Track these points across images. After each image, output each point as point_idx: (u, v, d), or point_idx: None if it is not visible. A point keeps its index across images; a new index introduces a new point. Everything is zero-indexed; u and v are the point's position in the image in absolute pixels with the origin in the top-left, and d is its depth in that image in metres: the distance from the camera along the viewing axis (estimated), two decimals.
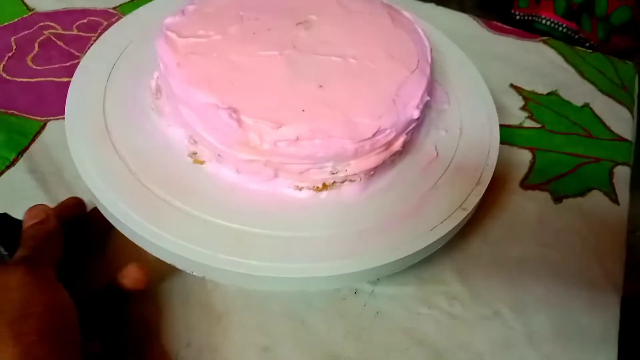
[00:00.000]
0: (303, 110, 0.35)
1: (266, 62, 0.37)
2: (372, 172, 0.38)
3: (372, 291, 0.41)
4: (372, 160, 0.37)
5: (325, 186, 0.38)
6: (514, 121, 0.53)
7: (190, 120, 0.36)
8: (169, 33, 0.38)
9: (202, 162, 0.38)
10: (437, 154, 0.42)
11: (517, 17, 1.32)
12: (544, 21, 1.24)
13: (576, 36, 1.23)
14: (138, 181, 0.36)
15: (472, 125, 0.44)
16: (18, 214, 0.35)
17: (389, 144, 0.38)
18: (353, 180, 0.38)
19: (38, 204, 0.35)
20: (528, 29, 0.71)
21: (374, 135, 0.36)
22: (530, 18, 1.28)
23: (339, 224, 0.37)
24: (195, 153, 0.38)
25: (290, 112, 0.35)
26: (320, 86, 0.36)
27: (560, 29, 1.21)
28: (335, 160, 0.36)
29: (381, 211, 0.38)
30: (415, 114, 0.38)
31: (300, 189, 0.38)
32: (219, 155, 0.37)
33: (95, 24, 0.55)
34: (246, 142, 0.35)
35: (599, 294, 0.43)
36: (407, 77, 0.39)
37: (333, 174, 0.37)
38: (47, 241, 0.33)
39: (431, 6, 0.63)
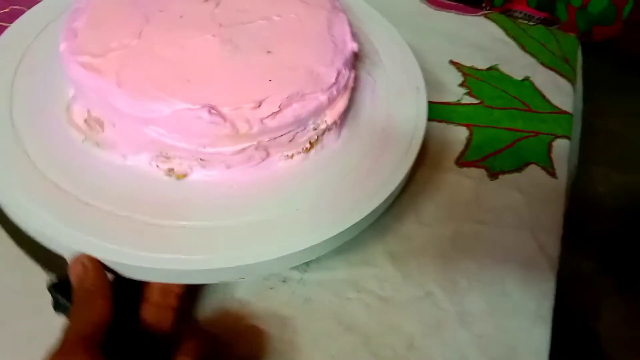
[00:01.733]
0: (270, 80, 0.34)
1: (204, 48, 0.35)
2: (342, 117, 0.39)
3: (301, 278, 0.40)
4: (342, 104, 0.38)
5: (312, 144, 0.38)
6: (452, 98, 0.52)
7: (159, 136, 0.33)
8: (80, 58, 0.34)
9: (184, 176, 0.36)
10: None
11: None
12: (516, 14, 1.23)
13: (553, 27, 1.22)
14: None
15: (400, 103, 0.43)
16: None
17: (347, 84, 0.38)
18: (331, 129, 0.38)
19: (79, 255, 0.31)
20: None
21: (336, 79, 0.36)
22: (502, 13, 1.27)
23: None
24: (171, 169, 0.35)
25: (259, 87, 0.34)
26: (268, 52, 0.36)
27: (535, 20, 1.20)
28: (314, 116, 0.36)
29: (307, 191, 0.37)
30: (354, 46, 0.39)
31: (292, 156, 0.37)
32: (201, 160, 0.35)
33: (18, 13, 0.53)
34: (235, 133, 0.33)
35: (533, 271, 0.42)
36: (329, 17, 0.39)
37: (315, 129, 0.37)
38: (90, 303, 0.30)
39: None
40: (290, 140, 0.36)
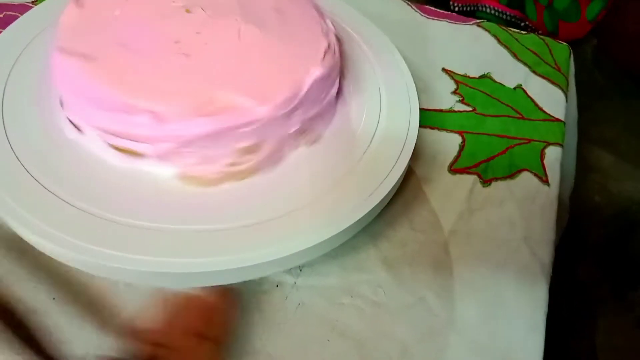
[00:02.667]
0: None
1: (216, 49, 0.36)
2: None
3: (295, 283, 0.40)
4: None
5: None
6: (445, 105, 0.52)
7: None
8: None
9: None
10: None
11: (456, 9, 1.30)
12: (487, 9, 1.23)
13: (522, 24, 1.22)
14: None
15: (392, 109, 0.43)
16: None
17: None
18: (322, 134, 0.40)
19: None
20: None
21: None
22: (471, 9, 1.26)
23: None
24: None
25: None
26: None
27: (505, 17, 1.21)
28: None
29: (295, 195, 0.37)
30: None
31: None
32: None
33: (11, 19, 0.53)
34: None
35: (527, 277, 0.42)
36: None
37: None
38: None
39: None
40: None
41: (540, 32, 1.22)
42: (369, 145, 0.40)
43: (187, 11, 0.38)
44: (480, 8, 1.26)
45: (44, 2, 0.47)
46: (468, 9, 1.28)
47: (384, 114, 0.42)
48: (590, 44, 1.61)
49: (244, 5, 0.40)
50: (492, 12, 1.25)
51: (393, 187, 0.38)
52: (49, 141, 0.36)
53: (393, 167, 0.39)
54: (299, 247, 0.33)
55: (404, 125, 0.42)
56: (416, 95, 0.44)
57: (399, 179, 0.39)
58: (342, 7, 0.51)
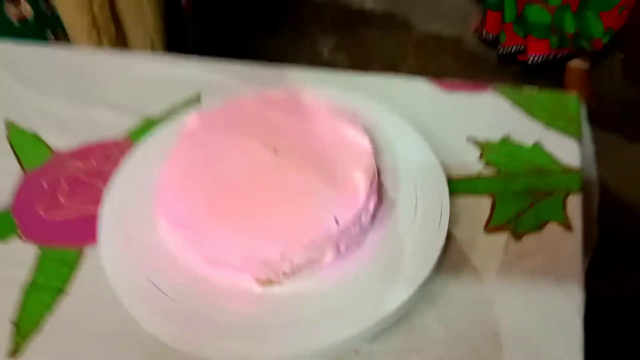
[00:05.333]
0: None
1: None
2: None
3: (369, 349, 0.49)
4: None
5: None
6: (473, 171, 0.61)
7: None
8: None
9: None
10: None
11: (502, 52, 1.65)
12: (535, 59, 1.55)
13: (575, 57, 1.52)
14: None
15: (424, 187, 0.53)
16: None
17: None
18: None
19: None
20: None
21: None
22: (516, 49, 1.64)
23: None
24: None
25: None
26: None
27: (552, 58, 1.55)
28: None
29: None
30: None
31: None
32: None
33: (111, 155, 0.65)
34: None
35: (563, 319, 0.50)
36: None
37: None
38: None
39: (386, 77, 0.72)
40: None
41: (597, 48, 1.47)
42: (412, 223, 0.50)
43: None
44: (526, 54, 1.47)
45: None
46: (513, 49, 1.51)
47: (419, 194, 0.52)
48: (617, 58, 1.67)
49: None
50: (539, 59, 1.45)
51: (439, 256, 0.48)
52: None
53: (435, 240, 0.49)
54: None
55: (437, 199, 0.51)
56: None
57: (442, 247, 0.48)
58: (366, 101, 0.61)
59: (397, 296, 0.45)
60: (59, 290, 0.53)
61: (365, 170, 0.49)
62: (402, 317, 0.48)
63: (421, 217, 0.50)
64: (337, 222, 0.45)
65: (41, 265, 0.55)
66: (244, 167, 0.48)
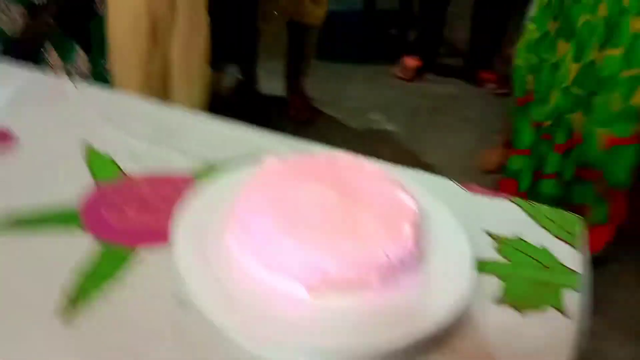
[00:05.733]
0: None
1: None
2: None
3: None
4: None
5: None
6: (488, 256, 0.70)
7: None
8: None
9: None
10: None
11: None
12: None
13: None
14: None
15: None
16: None
17: None
18: None
19: None
20: None
21: None
22: None
23: None
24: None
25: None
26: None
27: None
28: None
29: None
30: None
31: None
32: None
33: (178, 187, 0.73)
34: None
35: None
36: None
37: None
38: None
39: (418, 172, 0.84)
40: None
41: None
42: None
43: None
44: None
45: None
46: None
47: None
48: None
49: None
50: None
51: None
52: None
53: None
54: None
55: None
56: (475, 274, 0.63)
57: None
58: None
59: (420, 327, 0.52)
60: (112, 278, 0.59)
61: (413, 225, 0.58)
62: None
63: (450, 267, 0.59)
64: (387, 256, 0.53)
65: (99, 256, 0.61)
66: (312, 201, 0.57)
